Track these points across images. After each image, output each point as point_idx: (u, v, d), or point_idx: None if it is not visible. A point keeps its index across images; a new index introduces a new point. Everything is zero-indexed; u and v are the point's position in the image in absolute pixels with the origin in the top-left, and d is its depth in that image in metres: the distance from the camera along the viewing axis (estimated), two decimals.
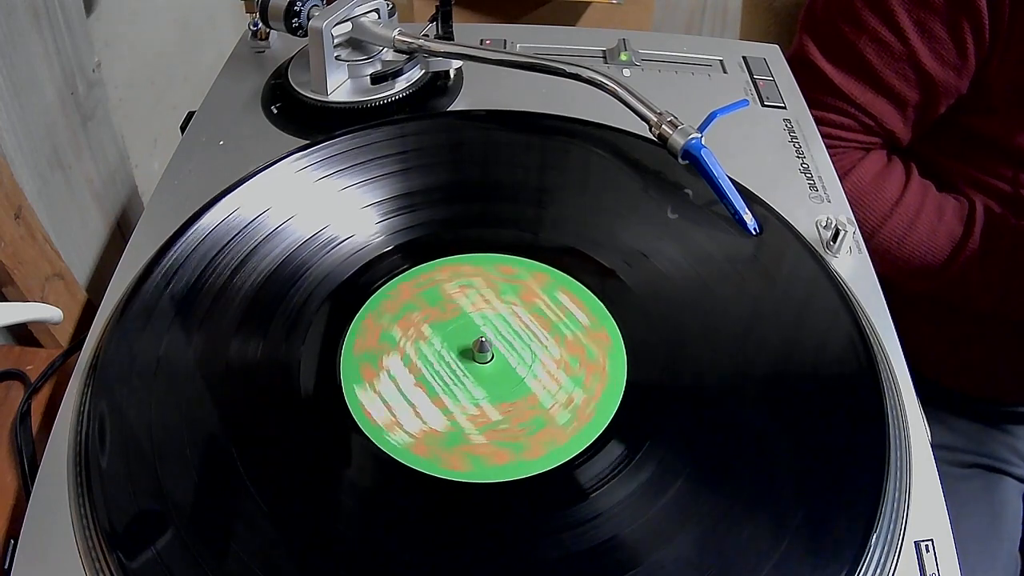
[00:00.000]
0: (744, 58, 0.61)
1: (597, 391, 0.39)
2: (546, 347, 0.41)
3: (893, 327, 0.42)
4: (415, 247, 0.45)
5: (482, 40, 0.61)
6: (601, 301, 0.43)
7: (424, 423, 0.37)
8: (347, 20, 0.53)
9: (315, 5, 0.53)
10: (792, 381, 0.39)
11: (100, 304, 0.42)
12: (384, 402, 0.38)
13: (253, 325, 0.41)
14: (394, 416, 0.37)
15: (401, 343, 0.41)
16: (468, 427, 0.37)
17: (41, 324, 0.52)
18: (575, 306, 0.43)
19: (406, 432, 0.37)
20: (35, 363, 0.47)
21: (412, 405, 0.38)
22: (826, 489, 0.34)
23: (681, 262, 0.44)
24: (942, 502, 0.35)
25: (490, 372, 0.40)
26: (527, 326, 0.42)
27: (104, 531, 0.32)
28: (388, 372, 0.39)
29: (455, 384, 0.39)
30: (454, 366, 0.40)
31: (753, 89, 0.58)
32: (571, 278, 0.44)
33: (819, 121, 0.56)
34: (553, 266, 0.44)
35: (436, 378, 0.39)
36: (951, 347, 0.73)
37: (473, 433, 0.37)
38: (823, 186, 0.50)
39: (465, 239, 0.46)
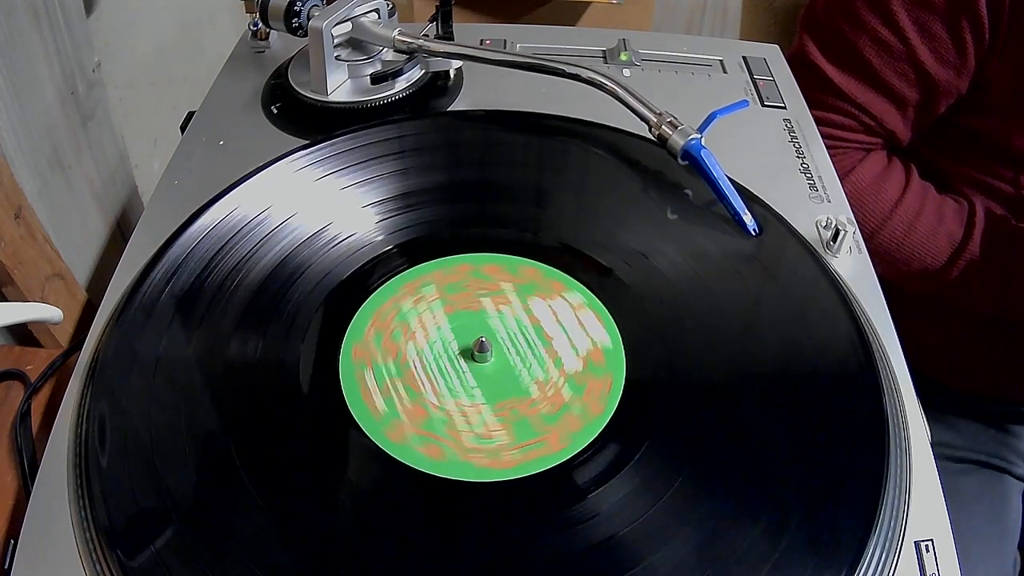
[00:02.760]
0: (744, 58, 0.61)
1: (596, 390, 0.39)
2: (545, 346, 0.41)
3: (893, 327, 0.42)
4: (414, 247, 0.45)
5: (482, 40, 0.61)
6: (600, 301, 0.43)
7: (425, 423, 0.37)
8: (347, 20, 0.53)
9: (315, 5, 0.53)
10: (792, 381, 0.39)
11: (100, 304, 0.42)
12: (385, 401, 0.38)
13: (253, 324, 0.41)
14: (396, 416, 0.37)
15: (401, 343, 0.41)
16: (468, 426, 0.37)
17: (41, 324, 0.52)
18: (574, 305, 0.43)
19: (407, 432, 0.37)
20: (35, 363, 0.47)
21: (413, 405, 0.38)
22: (826, 489, 0.34)
23: (681, 262, 0.44)
24: (942, 502, 0.35)
25: (490, 371, 0.40)
26: (526, 325, 0.42)
27: (104, 530, 0.32)
28: (388, 372, 0.39)
29: (455, 384, 0.39)
30: (454, 366, 0.40)
31: (753, 89, 0.58)
32: (570, 277, 0.44)
33: (819, 121, 0.56)
34: (552, 266, 0.44)
35: (436, 378, 0.39)
36: (951, 347, 0.73)
37: (473, 432, 0.37)
38: (823, 186, 0.50)
39: (465, 239, 0.46)
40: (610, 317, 0.42)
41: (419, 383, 0.39)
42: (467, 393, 0.39)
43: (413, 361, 0.40)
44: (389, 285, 0.43)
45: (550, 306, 0.43)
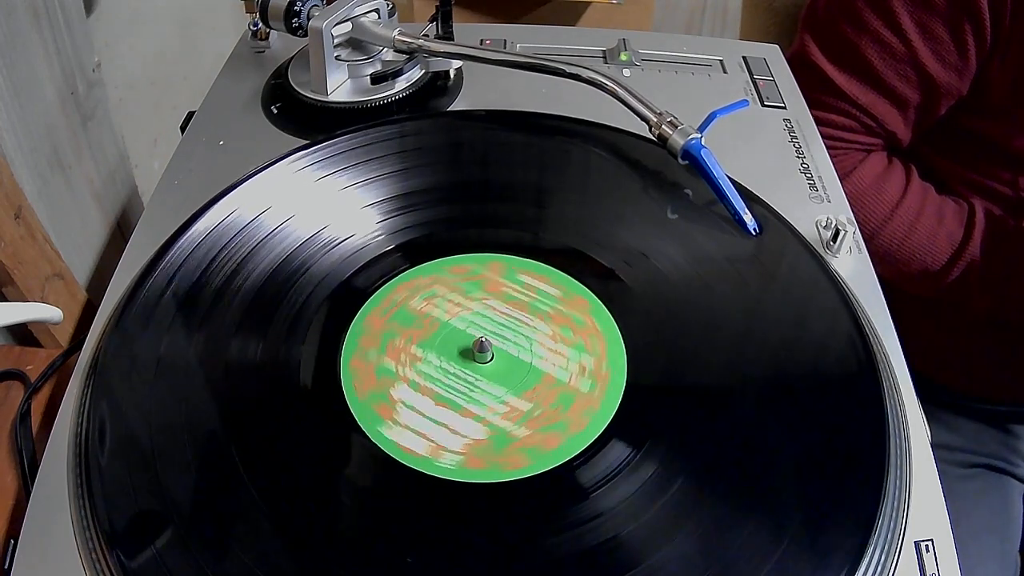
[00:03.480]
0: (744, 58, 0.61)
1: (602, 351, 0.40)
2: (535, 328, 0.41)
3: (893, 327, 0.42)
4: (415, 247, 0.45)
5: (482, 40, 0.61)
6: (601, 300, 0.43)
7: (465, 437, 0.37)
8: (347, 20, 0.53)
9: (315, 5, 0.53)
10: (792, 381, 0.39)
11: (100, 304, 0.42)
12: (415, 433, 0.37)
13: (253, 325, 0.41)
14: (433, 442, 0.37)
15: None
16: (507, 425, 0.37)
17: (41, 324, 0.52)
18: (569, 297, 0.43)
19: (452, 452, 0.36)
20: (35, 363, 0.47)
21: (444, 425, 0.38)
22: (826, 489, 0.34)
23: (681, 262, 0.44)
24: (942, 502, 0.35)
25: (497, 368, 0.40)
26: (518, 319, 0.42)
27: (104, 531, 0.32)
28: (403, 403, 0.39)
29: (472, 390, 0.39)
30: (461, 373, 0.40)
31: (753, 89, 0.58)
32: (571, 278, 0.44)
33: (820, 122, 0.56)
34: (553, 266, 0.44)
35: (452, 391, 0.39)
36: (951, 347, 0.73)
37: (515, 428, 0.37)
38: (823, 186, 0.50)
39: (465, 239, 0.46)
40: (610, 316, 0.42)
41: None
42: (488, 395, 0.39)
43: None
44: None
45: (543, 298, 0.42)
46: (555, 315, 0.42)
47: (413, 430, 0.37)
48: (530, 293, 0.43)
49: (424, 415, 0.38)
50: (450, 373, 0.40)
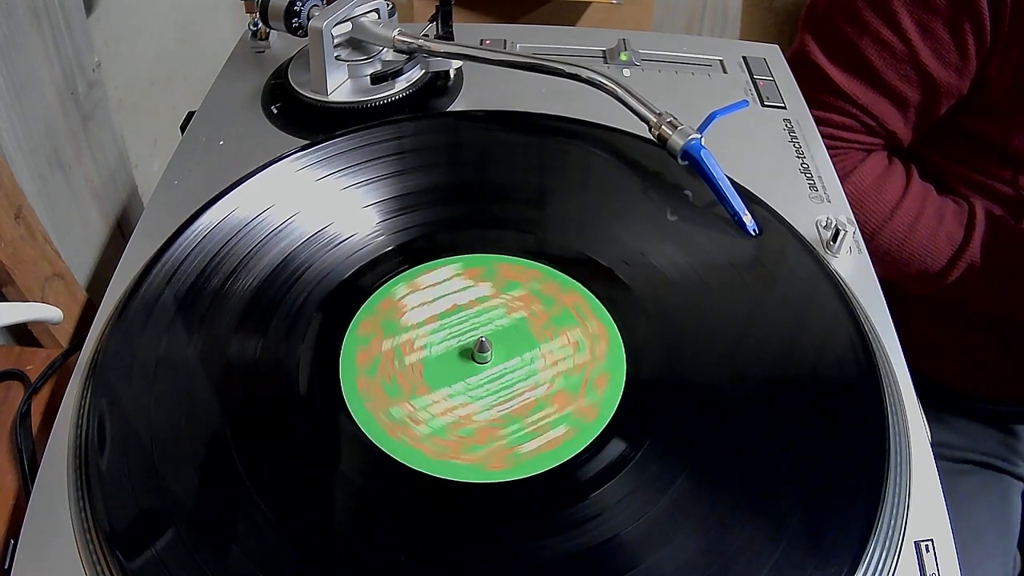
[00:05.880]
0: (744, 58, 0.61)
1: (601, 350, 0.40)
2: (530, 318, 0.42)
3: (893, 327, 0.42)
4: (415, 247, 0.45)
5: (482, 40, 0.61)
6: (600, 301, 0.43)
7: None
8: (347, 20, 0.53)
9: (315, 5, 0.53)
10: (792, 381, 0.39)
11: (100, 304, 0.42)
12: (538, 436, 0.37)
13: (252, 325, 0.41)
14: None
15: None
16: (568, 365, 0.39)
17: (41, 324, 0.52)
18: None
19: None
20: (35, 363, 0.47)
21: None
22: (826, 489, 0.34)
23: (681, 262, 0.44)
24: (942, 502, 0.35)
25: (501, 354, 0.40)
26: (521, 320, 0.42)
27: (104, 531, 0.32)
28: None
29: (457, 384, 0.39)
30: (455, 365, 0.40)
31: (753, 89, 0.58)
32: (569, 277, 0.44)
33: (820, 121, 0.56)
34: (552, 266, 0.44)
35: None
36: (951, 347, 0.73)
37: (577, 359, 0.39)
38: (823, 186, 0.50)
39: (464, 239, 0.46)
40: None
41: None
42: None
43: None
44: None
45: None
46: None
47: (536, 436, 0.37)
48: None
49: (520, 419, 0.38)
50: (483, 382, 0.40)
